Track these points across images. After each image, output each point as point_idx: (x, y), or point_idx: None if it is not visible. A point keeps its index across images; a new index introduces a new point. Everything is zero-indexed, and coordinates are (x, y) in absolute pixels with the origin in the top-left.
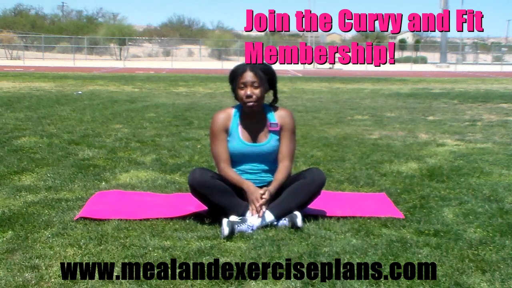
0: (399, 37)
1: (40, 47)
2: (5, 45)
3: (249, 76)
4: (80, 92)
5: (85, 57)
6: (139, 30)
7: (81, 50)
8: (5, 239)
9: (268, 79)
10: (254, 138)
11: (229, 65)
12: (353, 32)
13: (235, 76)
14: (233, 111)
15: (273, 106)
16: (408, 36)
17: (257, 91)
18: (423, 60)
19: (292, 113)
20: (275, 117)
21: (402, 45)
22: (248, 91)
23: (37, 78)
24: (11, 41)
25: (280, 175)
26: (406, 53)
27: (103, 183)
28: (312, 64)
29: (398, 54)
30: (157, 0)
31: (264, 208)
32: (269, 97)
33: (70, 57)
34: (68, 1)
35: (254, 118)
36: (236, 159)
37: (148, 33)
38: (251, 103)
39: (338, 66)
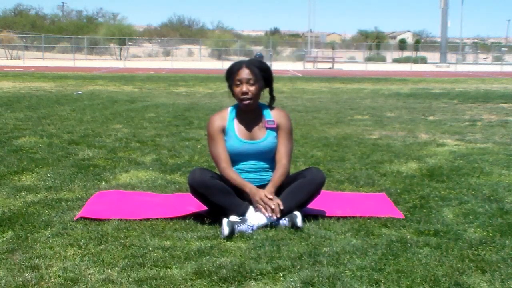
0: (399, 37)
1: (40, 47)
2: (5, 45)
3: (244, 73)
4: (80, 92)
5: (85, 57)
6: (139, 30)
7: (81, 50)
8: (5, 239)
9: (264, 76)
10: (251, 135)
11: (229, 65)
12: (353, 32)
13: (231, 74)
14: (228, 110)
15: (269, 105)
16: (408, 36)
17: (252, 88)
18: (423, 60)
19: (288, 114)
20: (272, 116)
21: (402, 45)
22: (244, 88)
23: (37, 78)
24: (11, 41)
25: (277, 174)
26: (406, 53)
27: (103, 183)
28: (312, 64)
29: (398, 54)
30: (157, 0)
31: (276, 206)
32: (265, 97)
33: (70, 57)
34: (68, 1)
35: (250, 116)
36: (235, 158)
37: (148, 33)
38: (247, 101)
39: (338, 66)
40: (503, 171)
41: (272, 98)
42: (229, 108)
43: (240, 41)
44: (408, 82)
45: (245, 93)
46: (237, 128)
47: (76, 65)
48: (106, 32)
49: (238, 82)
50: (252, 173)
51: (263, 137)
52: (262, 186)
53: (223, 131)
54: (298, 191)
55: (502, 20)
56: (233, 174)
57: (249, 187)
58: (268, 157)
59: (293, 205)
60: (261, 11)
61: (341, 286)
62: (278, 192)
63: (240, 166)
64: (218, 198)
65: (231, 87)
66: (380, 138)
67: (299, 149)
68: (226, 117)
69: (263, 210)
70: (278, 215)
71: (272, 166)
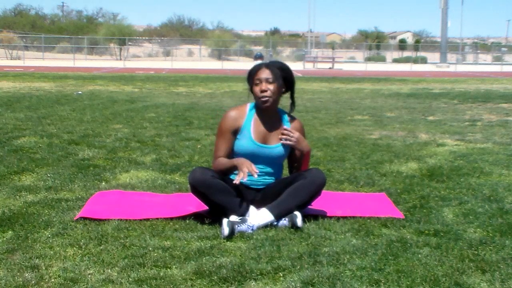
0: (399, 37)
1: (40, 47)
2: (5, 45)
3: (264, 72)
4: (80, 92)
5: (85, 57)
6: (139, 30)
7: (81, 50)
8: (5, 239)
9: (284, 77)
10: (265, 139)
11: (229, 65)
12: (353, 32)
13: (250, 75)
14: (248, 108)
15: (288, 113)
16: (408, 36)
17: (271, 86)
18: (423, 60)
19: (303, 125)
20: (290, 125)
21: (402, 45)
22: (263, 86)
23: (37, 78)
24: (11, 41)
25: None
26: (406, 53)
27: (103, 183)
28: (312, 64)
29: (398, 54)
30: (157, 0)
31: (255, 168)
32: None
33: (70, 57)
34: (68, 1)
35: (268, 119)
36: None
37: (148, 33)
38: (265, 98)
39: (338, 66)
40: (503, 171)
41: (293, 103)
42: (249, 105)
43: (240, 41)
44: (408, 82)
45: (264, 91)
46: (253, 129)
47: (76, 65)
48: (106, 32)
49: (257, 82)
50: (258, 176)
51: (277, 143)
52: (263, 190)
53: (235, 132)
54: (299, 192)
55: (502, 20)
56: (222, 159)
57: (237, 160)
58: (277, 163)
59: (293, 206)
60: (261, 11)
61: (341, 286)
62: (278, 192)
63: None
64: (219, 197)
65: (251, 89)
66: (380, 138)
67: None
68: (244, 116)
69: (239, 176)
70: (256, 175)
71: (278, 172)
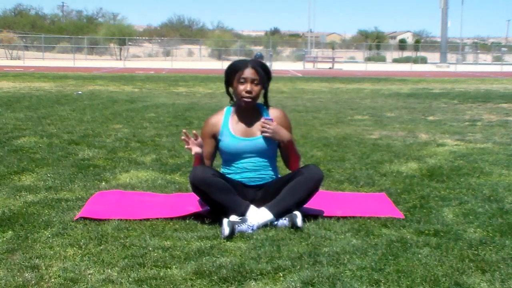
0: (399, 37)
1: (40, 47)
2: (5, 45)
3: (250, 72)
4: (80, 92)
5: (85, 57)
6: (139, 30)
7: (81, 50)
8: (5, 239)
9: (267, 79)
10: (247, 133)
11: (231, 62)
12: (353, 32)
13: (234, 70)
14: (224, 110)
15: (265, 105)
16: (408, 36)
17: (256, 88)
18: (423, 60)
19: (284, 111)
20: (269, 114)
21: (402, 45)
22: (248, 87)
23: (37, 78)
24: (11, 41)
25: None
26: (406, 53)
27: (103, 183)
28: (312, 64)
29: (398, 54)
30: (157, 0)
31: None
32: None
33: (70, 57)
34: (68, 1)
35: (247, 114)
36: (233, 157)
37: (148, 33)
38: (248, 99)
39: (338, 66)
40: (503, 171)
41: (266, 102)
42: (225, 108)
43: (240, 41)
44: (408, 82)
45: (249, 92)
46: (232, 127)
47: (76, 65)
48: (106, 32)
49: (242, 80)
50: (252, 171)
51: (260, 134)
52: (263, 186)
53: (214, 136)
54: (296, 189)
55: (502, 20)
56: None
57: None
58: (267, 154)
59: (292, 203)
60: (261, 11)
61: (341, 286)
62: (278, 191)
63: (240, 165)
64: (219, 196)
65: (229, 83)
66: (380, 138)
67: (299, 149)
68: (221, 118)
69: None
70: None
71: (272, 163)
